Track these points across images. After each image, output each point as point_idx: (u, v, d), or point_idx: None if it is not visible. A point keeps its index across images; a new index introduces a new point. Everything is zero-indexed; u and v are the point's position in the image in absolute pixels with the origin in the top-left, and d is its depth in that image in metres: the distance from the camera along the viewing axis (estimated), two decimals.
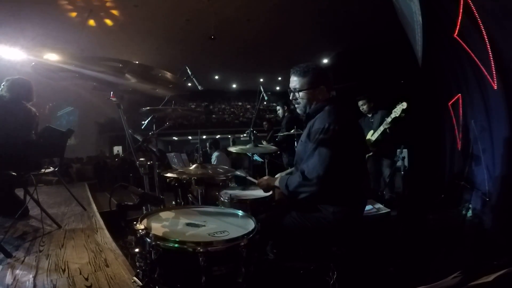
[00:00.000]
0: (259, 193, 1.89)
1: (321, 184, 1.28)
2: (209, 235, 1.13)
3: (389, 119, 3.22)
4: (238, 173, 2.01)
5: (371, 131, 3.47)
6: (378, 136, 3.37)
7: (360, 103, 3.62)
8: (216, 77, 15.55)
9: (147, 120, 2.14)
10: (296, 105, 1.56)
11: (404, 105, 3.11)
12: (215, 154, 5.08)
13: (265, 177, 1.64)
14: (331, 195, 1.36)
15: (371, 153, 3.47)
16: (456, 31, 2.67)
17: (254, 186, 2.10)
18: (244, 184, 2.21)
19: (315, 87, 1.46)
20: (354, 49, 9.46)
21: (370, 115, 3.58)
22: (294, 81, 1.49)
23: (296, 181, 1.35)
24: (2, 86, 2.56)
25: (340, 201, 1.37)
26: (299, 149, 1.53)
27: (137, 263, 1.17)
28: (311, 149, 1.35)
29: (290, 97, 1.55)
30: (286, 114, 4.30)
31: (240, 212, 1.43)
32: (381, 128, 3.31)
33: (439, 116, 4.03)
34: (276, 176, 1.59)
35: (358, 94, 3.72)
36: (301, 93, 1.48)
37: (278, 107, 4.52)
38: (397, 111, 3.16)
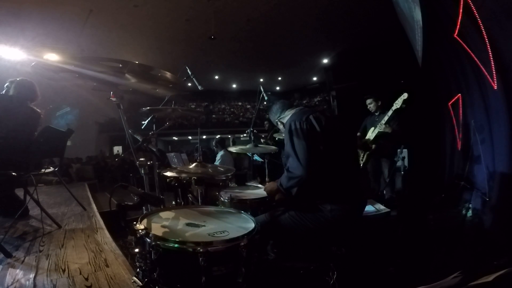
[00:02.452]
0: (259, 193, 1.90)
1: (305, 173, 1.36)
2: (209, 235, 1.13)
3: (390, 112, 3.22)
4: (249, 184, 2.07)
5: (372, 128, 3.46)
6: (378, 132, 3.36)
7: (368, 101, 3.60)
8: (216, 77, 15.56)
9: (147, 120, 2.14)
10: None
11: (405, 95, 3.11)
12: (220, 153, 5.08)
13: (270, 183, 1.69)
14: (327, 193, 1.38)
15: (370, 152, 3.46)
16: (456, 31, 2.67)
17: (254, 185, 2.10)
18: (243, 176, 2.23)
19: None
20: (355, 49, 9.47)
21: (377, 114, 3.57)
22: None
23: (285, 178, 1.45)
24: (6, 88, 2.56)
25: (338, 200, 1.39)
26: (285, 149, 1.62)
27: (137, 263, 1.17)
28: (286, 149, 1.49)
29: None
30: None
31: (240, 212, 1.43)
32: (383, 122, 3.30)
33: (439, 116, 4.04)
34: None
35: (361, 93, 3.71)
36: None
37: None
38: (398, 103, 3.16)
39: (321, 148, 1.41)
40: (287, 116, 1.67)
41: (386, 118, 3.26)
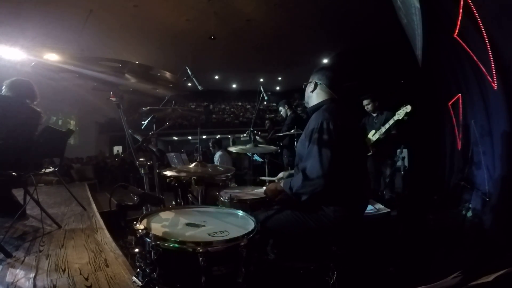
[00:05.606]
0: (259, 193, 1.89)
1: (323, 182, 1.29)
2: (209, 235, 1.13)
3: (391, 121, 3.21)
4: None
5: (373, 131, 3.47)
6: (378, 137, 3.37)
7: (364, 102, 3.61)
8: (216, 77, 15.57)
9: (147, 120, 2.14)
10: None
11: (408, 108, 3.10)
12: (218, 154, 5.09)
13: (271, 184, 1.64)
14: (331, 194, 1.36)
15: (370, 153, 3.47)
16: (456, 31, 2.67)
17: (254, 185, 2.10)
18: (243, 176, 2.22)
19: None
20: (355, 49, 9.47)
21: (375, 115, 3.57)
22: None
23: (299, 182, 1.35)
24: (3, 89, 2.54)
25: (341, 200, 1.37)
26: (299, 148, 1.55)
27: (137, 263, 1.17)
28: (310, 148, 1.36)
29: None
30: (289, 113, 4.27)
31: (240, 212, 1.43)
32: (382, 130, 3.30)
33: (439, 116, 4.04)
34: (278, 176, 1.61)
35: (361, 93, 3.71)
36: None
37: (280, 108, 4.48)
38: (400, 114, 3.15)
39: (342, 154, 1.31)
40: (317, 100, 1.53)
41: (387, 126, 3.25)
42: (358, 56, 8.87)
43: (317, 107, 1.51)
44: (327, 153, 1.29)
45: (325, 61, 12.08)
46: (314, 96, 1.56)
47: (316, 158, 1.31)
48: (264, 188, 1.93)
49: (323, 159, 1.29)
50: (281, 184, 1.49)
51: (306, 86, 1.62)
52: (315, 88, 1.54)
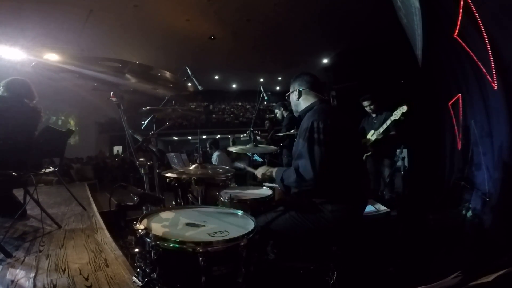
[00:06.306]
0: (259, 193, 1.90)
1: (315, 183, 1.31)
2: (209, 235, 1.13)
3: (389, 121, 3.23)
4: (237, 164, 2.02)
5: (372, 131, 3.47)
6: (377, 137, 3.38)
7: (365, 103, 3.61)
8: (216, 77, 15.55)
9: (147, 120, 2.14)
10: None
11: (404, 108, 3.12)
12: (216, 154, 5.09)
13: (263, 167, 1.69)
14: (329, 193, 1.37)
15: (369, 153, 3.47)
16: (456, 31, 2.67)
17: (254, 185, 2.11)
18: (243, 176, 2.22)
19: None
20: (354, 49, 9.46)
21: (374, 115, 3.58)
22: None
23: (291, 177, 1.38)
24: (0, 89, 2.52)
25: (339, 200, 1.38)
26: (294, 149, 1.58)
27: (137, 263, 1.17)
28: (301, 147, 1.39)
29: None
30: (287, 114, 4.28)
31: (240, 212, 1.43)
32: (380, 130, 3.32)
33: (439, 116, 4.04)
34: (258, 171, 1.66)
35: (361, 94, 3.71)
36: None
37: (275, 110, 4.49)
38: (397, 114, 3.17)
39: (335, 153, 1.33)
40: (306, 105, 1.57)
41: (385, 126, 3.27)
42: (357, 56, 8.86)
43: (308, 109, 1.55)
44: (318, 152, 1.32)
45: (325, 61, 12.08)
46: (301, 102, 1.61)
47: (308, 159, 1.33)
48: (263, 188, 1.95)
49: (315, 160, 1.31)
50: (273, 173, 1.53)
51: (289, 96, 1.68)
52: (300, 95, 1.59)
